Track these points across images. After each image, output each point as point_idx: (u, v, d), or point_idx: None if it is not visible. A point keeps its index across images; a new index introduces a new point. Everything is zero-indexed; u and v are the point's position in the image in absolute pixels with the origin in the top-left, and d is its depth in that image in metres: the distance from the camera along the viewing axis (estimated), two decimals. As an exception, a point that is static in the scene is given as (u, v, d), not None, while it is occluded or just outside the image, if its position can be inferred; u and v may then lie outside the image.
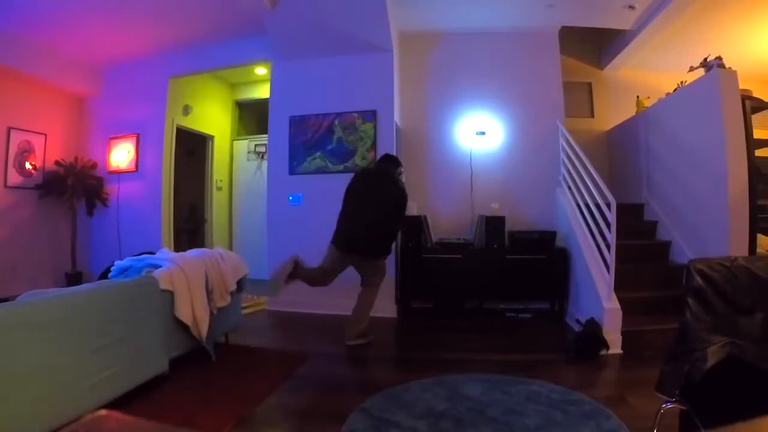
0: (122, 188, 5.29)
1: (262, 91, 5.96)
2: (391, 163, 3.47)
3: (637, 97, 4.89)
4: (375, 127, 4.32)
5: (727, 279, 1.30)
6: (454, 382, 1.52)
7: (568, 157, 4.14)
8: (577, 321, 3.39)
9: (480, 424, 1.27)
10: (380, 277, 3.40)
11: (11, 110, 4.81)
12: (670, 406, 1.28)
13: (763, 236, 3.58)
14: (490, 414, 1.29)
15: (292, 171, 4.51)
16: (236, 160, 6.51)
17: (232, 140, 6.52)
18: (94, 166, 5.38)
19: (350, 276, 4.30)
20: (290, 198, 4.51)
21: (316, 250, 4.36)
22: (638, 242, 4.10)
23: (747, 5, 4.05)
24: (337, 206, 4.40)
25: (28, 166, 4.98)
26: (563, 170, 4.37)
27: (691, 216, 3.76)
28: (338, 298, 4.25)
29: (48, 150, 5.19)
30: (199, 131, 5.89)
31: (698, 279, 1.30)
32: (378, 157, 4.31)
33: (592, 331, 3.03)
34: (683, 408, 1.26)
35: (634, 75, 5.39)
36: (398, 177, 3.41)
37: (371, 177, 3.43)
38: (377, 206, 3.21)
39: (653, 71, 5.32)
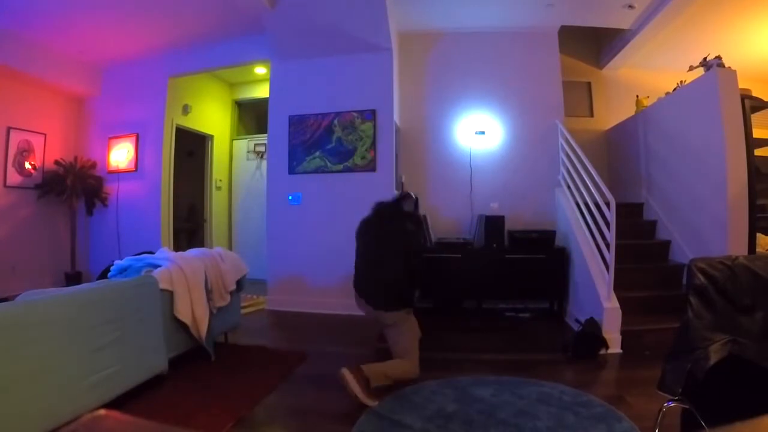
0: (122, 188, 5.28)
1: (262, 91, 5.95)
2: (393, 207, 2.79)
3: (637, 96, 4.89)
4: (374, 127, 4.32)
5: (728, 277, 1.30)
6: (463, 383, 1.51)
7: (568, 156, 4.15)
8: (576, 320, 3.39)
9: (490, 426, 1.25)
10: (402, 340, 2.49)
11: (11, 110, 4.81)
12: (672, 405, 1.28)
13: (763, 236, 3.59)
14: (500, 416, 1.27)
15: (291, 170, 4.51)
16: (236, 160, 6.51)
17: (232, 140, 6.52)
18: (93, 165, 5.38)
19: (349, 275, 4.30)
20: (290, 197, 4.51)
21: (315, 250, 4.39)
22: (638, 242, 4.10)
23: (746, 5, 4.05)
24: (336, 206, 4.42)
25: (27, 165, 4.98)
26: (563, 170, 4.37)
27: (691, 215, 3.76)
28: (338, 298, 4.26)
29: (47, 150, 5.19)
30: (198, 131, 5.88)
31: (700, 277, 1.30)
32: (378, 157, 4.32)
33: (591, 331, 3.04)
34: (684, 407, 1.26)
35: (633, 74, 5.39)
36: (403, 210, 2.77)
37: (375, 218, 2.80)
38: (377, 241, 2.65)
39: (653, 71, 5.31)
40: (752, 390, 1.16)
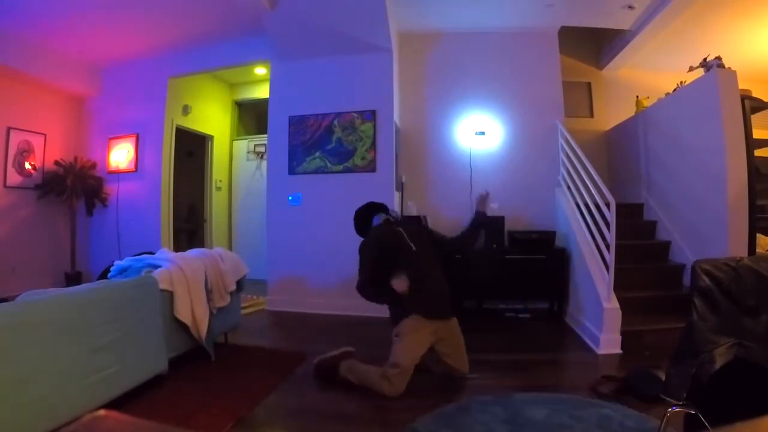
0: (122, 188, 5.28)
1: (262, 91, 5.95)
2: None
3: (637, 97, 4.89)
4: (374, 127, 4.31)
5: (732, 279, 1.29)
6: (515, 401, 1.40)
7: (568, 157, 4.14)
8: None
9: (544, 454, 1.13)
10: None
11: (11, 110, 4.80)
12: (677, 410, 1.27)
13: (763, 236, 3.58)
14: (556, 442, 1.16)
15: (291, 171, 4.51)
16: (236, 160, 6.51)
17: (232, 140, 6.52)
18: (93, 166, 5.38)
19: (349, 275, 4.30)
20: (290, 198, 4.51)
21: (315, 251, 4.38)
22: (638, 242, 4.09)
23: (747, 5, 4.05)
24: (336, 206, 4.41)
25: (27, 166, 4.98)
26: (563, 170, 4.36)
27: (691, 216, 3.76)
28: (338, 298, 4.26)
29: (47, 150, 5.19)
30: (198, 131, 5.88)
31: (705, 279, 1.29)
32: (378, 158, 4.31)
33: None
34: (690, 411, 1.25)
35: (633, 75, 5.39)
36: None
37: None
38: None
39: (653, 71, 5.31)
40: (758, 393, 1.15)
